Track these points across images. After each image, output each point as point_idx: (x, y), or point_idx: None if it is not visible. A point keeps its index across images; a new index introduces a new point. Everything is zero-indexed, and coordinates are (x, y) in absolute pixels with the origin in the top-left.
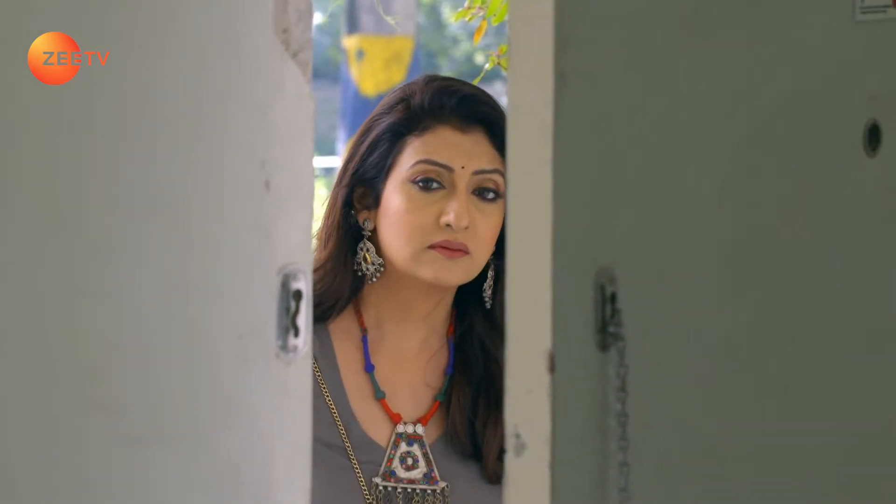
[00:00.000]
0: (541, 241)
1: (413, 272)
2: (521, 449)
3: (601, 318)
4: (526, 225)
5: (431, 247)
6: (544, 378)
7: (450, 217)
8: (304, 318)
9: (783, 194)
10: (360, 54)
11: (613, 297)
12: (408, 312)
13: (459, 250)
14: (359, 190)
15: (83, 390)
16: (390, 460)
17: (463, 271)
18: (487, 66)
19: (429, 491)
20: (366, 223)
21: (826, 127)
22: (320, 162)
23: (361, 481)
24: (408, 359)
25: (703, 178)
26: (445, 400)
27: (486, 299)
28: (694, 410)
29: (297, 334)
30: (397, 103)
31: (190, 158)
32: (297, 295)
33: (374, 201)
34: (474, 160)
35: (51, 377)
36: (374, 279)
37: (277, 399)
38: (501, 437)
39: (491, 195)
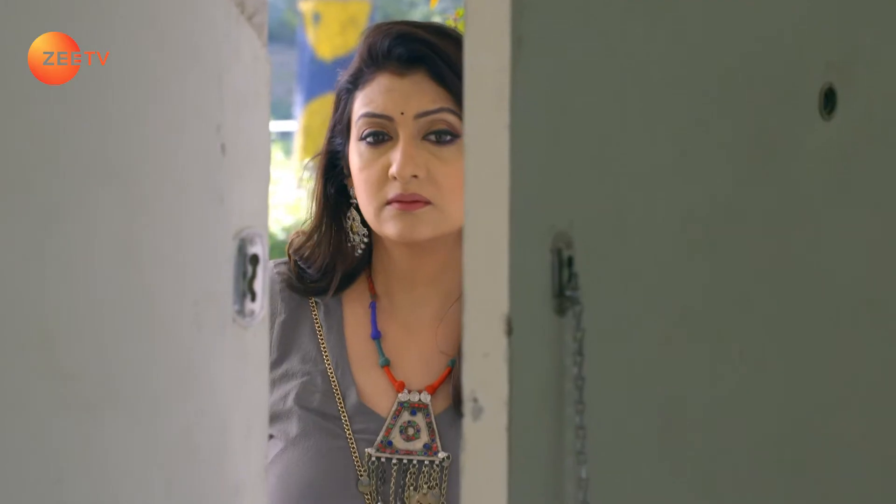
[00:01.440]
0: (498, 205)
1: (381, 232)
2: (478, 412)
3: (558, 282)
4: (483, 189)
5: (388, 203)
6: (501, 342)
7: (393, 168)
8: (261, 282)
9: (740, 158)
10: (317, 18)
11: (570, 261)
12: (412, 277)
13: (416, 202)
14: (341, 156)
15: (34, 356)
16: (389, 430)
17: (429, 224)
18: None
19: (426, 462)
20: (351, 190)
21: (782, 91)
22: (276, 126)
23: (354, 452)
24: (422, 326)
25: (659, 142)
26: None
27: None
28: (650, 374)
29: (253, 299)
30: (354, 59)
31: (143, 122)
32: (254, 259)
33: (347, 167)
34: (412, 103)
35: (1, 342)
36: (360, 250)
37: (234, 364)
38: None
39: (447, 137)
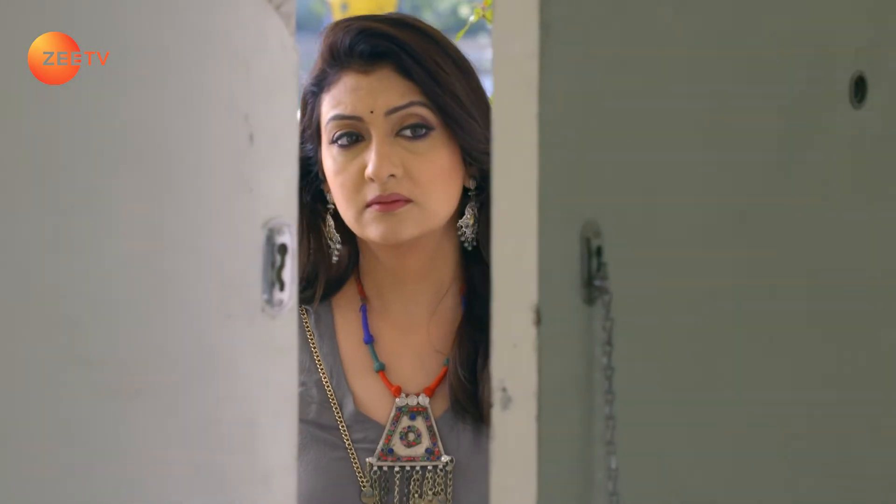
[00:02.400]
0: (527, 195)
1: (364, 235)
2: (507, 402)
3: (587, 271)
4: (512, 179)
5: (368, 205)
6: (530, 332)
7: (369, 170)
8: (290, 271)
9: (768, 146)
10: (344, 7)
11: (599, 251)
12: (400, 275)
13: (396, 201)
14: (315, 163)
15: (62, 344)
16: (389, 437)
17: (412, 222)
18: (472, 18)
19: (429, 468)
20: (328, 195)
21: (812, 79)
22: None
23: (355, 462)
24: (416, 325)
25: (688, 130)
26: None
27: (464, 240)
28: (680, 363)
29: (282, 288)
30: (317, 60)
31: (172, 112)
32: (283, 249)
33: (322, 171)
34: (382, 101)
35: (29, 331)
36: (335, 257)
37: (262, 353)
38: None
39: (422, 131)
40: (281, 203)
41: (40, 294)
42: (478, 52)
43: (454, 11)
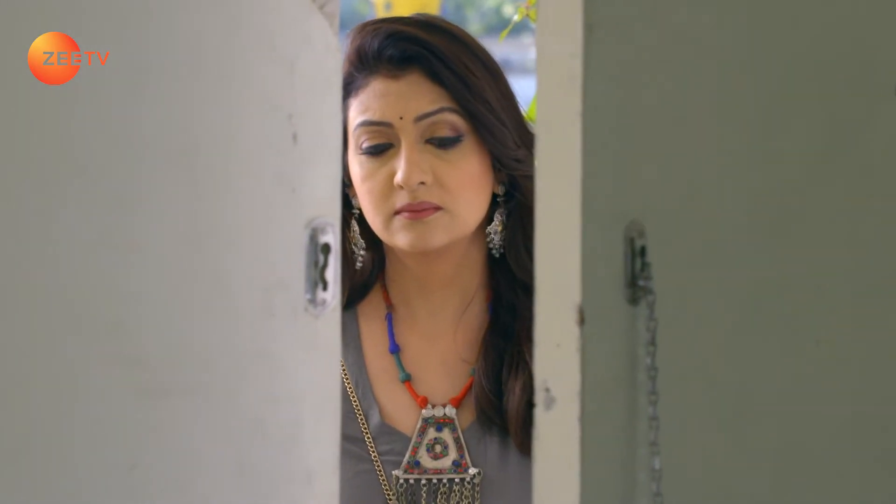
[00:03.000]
0: (570, 194)
1: (392, 243)
2: (550, 403)
3: (631, 271)
4: (555, 178)
5: (397, 212)
6: (573, 332)
7: (398, 177)
8: (333, 271)
9: (812, 144)
10: (388, 6)
11: (643, 251)
12: (427, 282)
13: (426, 209)
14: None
15: (108, 344)
16: (415, 449)
17: (441, 230)
18: (516, 17)
19: (457, 480)
20: (354, 200)
21: (856, 75)
22: None
23: (381, 475)
24: (442, 334)
25: (731, 128)
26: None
27: (492, 247)
28: (724, 364)
29: (325, 288)
30: (343, 63)
31: (216, 111)
32: (326, 248)
33: (348, 176)
34: (413, 106)
35: (73, 330)
36: (359, 264)
37: (305, 353)
38: (522, 402)
39: (452, 138)
40: (324, 202)
41: (86, 295)
42: (521, 51)
43: (498, 11)
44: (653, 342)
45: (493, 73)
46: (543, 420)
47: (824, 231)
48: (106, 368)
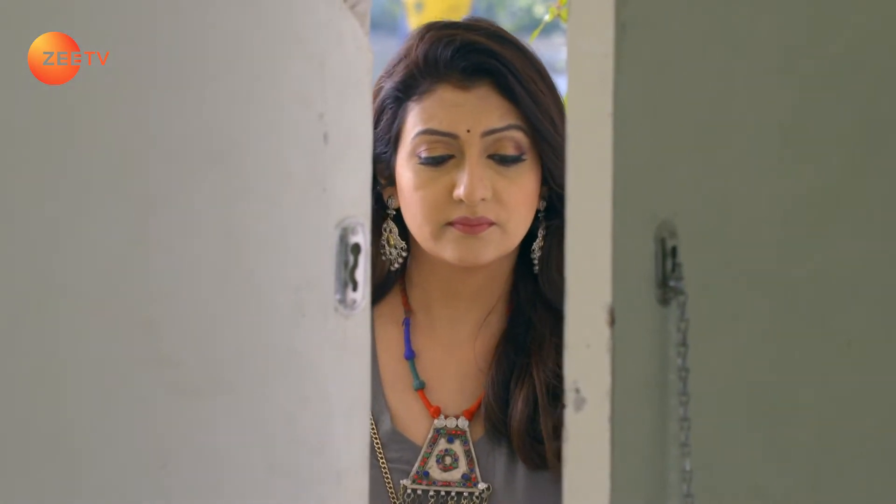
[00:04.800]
0: (601, 194)
1: (437, 253)
2: (580, 404)
3: (662, 272)
4: (586, 178)
5: (450, 223)
6: (604, 332)
7: (460, 191)
8: (363, 271)
9: (846, 144)
10: (419, 6)
11: (674, 251)
12: (455, 292)
13: (482, 224)
14: (377, 164)
15: (139, 343)
16: (425, 459)
17: (493, 246)
18: (547, 17)
19: (465, 494)
20: (390, 200)
21: (890, 75)
22: None
23: (388, 483)
24: (461, 343)
25: (763, 129)
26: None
27: (535, 262)
28: (755, 365)
29: (355, 288)
30: (397, 63)
31: (246, 111)
32: (356, 249)
33: (390, 177)
34: (481, 120)
35: (108, 331)
36: (396, 265)
37: (336, 353)
38: (525, 415)
39: (515, 156)
40: (354, 203)
41: (118, 295)
42: (552, 51)
43: (529, 11)
44: (684, 343)
45: (552, 89)
46: (573, 421)
47: (857, 231)
48: (137, 368)
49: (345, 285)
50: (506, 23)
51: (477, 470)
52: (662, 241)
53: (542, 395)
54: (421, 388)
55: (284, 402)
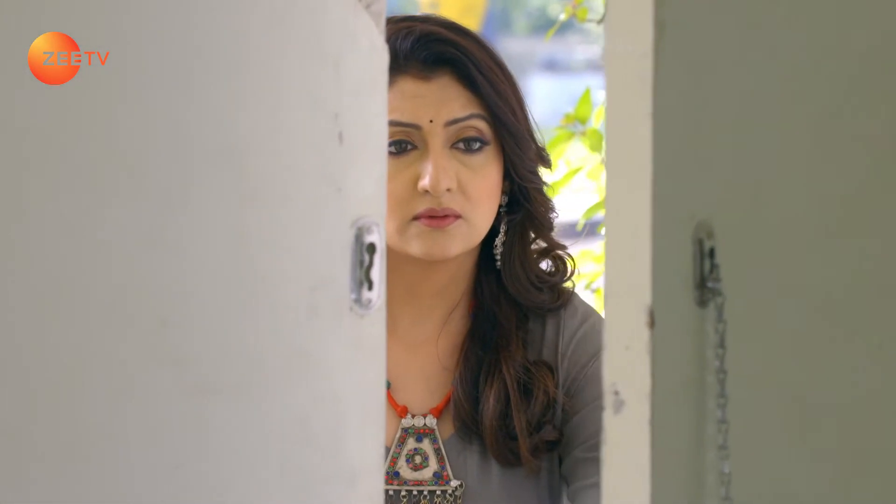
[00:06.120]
0: (641, 196)
1: (402, 249)
2: (619, 406)
3: (700, 273)
4: (625, 180)
5: (416, 218)
6: (644, 334)
7: (425, 182)
8: (378, 271)
9: (880, 144)
10: (434, 5)
11: (712, 252)
12: (418, 290)
13: (448, 217)
14: None
15: (153, 343)
16: (394, 460)
17: (459, 240)
18: (562, 17)
19: (438, 492)
20: None
21: None
22: None
23: None
24: (424, 342)
25: (801, 129)
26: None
27: (497, 257)
28: (792, 367)
29: (370, 287)
30: None
31: (261, 110)
32: (371, 248)
33: None
34: (444, 111)
35: (118, 329)
36: None
37: (351, 352)
38: (496, 412)
39: (477, 145)
40: (369, 202)
41: (132, 295)
42: (567, 50)
43: (543, 10)
44: (721, 345)
45: (511, 79)
46: (612, 424)
47: (891, 231)
48: (151, 368)
49: (360, 285)
50: (520, 22)
51: (448, 468)
52: (700, 242)
53: (513, 391)
54: (386, 388)
55: (298, 402)
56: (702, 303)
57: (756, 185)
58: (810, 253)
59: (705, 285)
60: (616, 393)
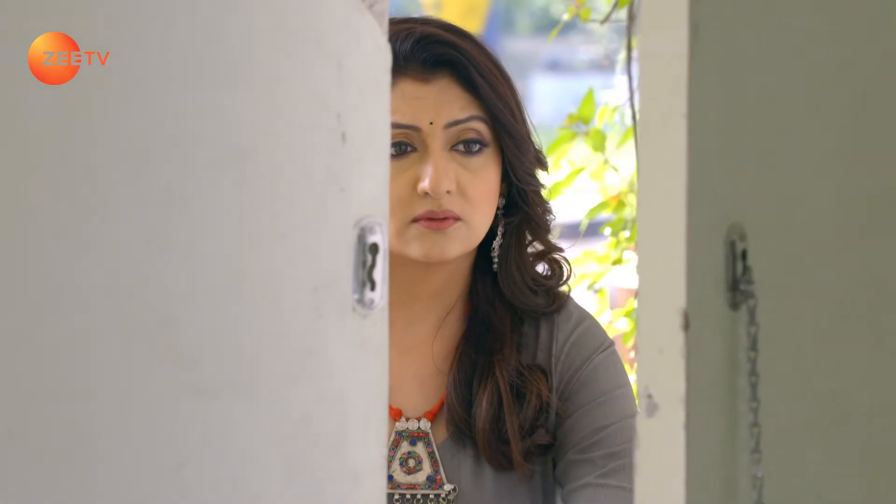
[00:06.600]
0: (675, 198)
1: (401, 251)
2: (653, 409)
3: (732, 275)
4: (659, 181)
5: (415, 220)
6: (678, 337)
7: (425, 184)
8: (381, 271)
9: None
10: (437, 6)
11: (744, 254)
12: (413, 292)
13: (447, 219)
14: None
15: (155, 342)
16: (388, 463)
17: (458, 242)
18: (565, 17)
19: (431, 496)
20: None
21: None
22: None
23: None
24: (419, 345)
25: (834, 131)
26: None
27: (495, 260)
28: (823, 369)
29: (373, 288)
30: None
31: (263, 111)
32: (374, 248)
33: None
34: (443, 112)
35: (122, 329)
36: None
37: (353, 353)
38: (489, 416)
39: (476, 147)
40: (372, 202)
41: (135, 294)
42: (570, 51)
43: (547, 10)
44: (754, 347)
45: (510, 81)
46: (645, 427)
47: None
48: (155, 367)
49: (363, 285)
50: (523, 22)
51: (442, 471)
52: (733, 244)
53: (506, 394)
54: None
55: (302, 402)
56: (734, 305)
57: (789, 185)
58: (842, 254)
59: (737, 288)
60: (649, 396)
